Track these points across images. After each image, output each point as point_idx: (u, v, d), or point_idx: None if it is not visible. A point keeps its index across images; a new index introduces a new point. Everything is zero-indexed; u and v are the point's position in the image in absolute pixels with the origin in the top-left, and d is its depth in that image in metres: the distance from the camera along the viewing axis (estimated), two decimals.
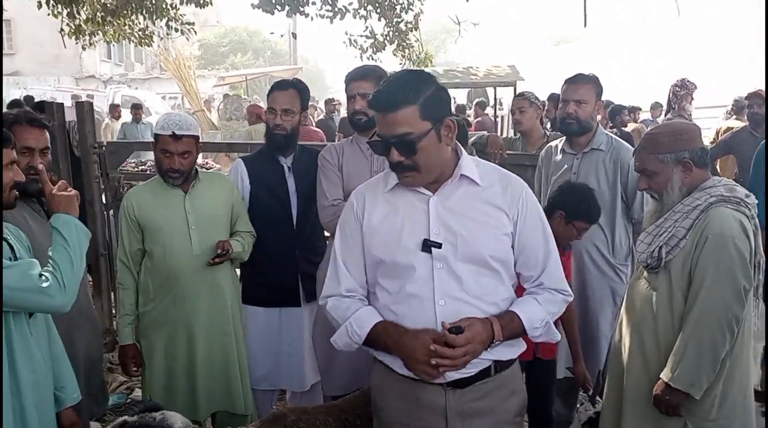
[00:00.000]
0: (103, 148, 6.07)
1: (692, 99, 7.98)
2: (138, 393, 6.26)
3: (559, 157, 4.17)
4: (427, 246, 2.20)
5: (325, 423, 2.76)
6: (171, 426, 2.27)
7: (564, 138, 4.18)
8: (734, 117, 7.86)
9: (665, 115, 8.42)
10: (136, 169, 8.96)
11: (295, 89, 3.80)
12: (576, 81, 4.06)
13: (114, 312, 7.26)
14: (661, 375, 2.82)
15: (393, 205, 2.30)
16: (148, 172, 10.05)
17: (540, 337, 2.32)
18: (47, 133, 3.21)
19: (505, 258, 2.28)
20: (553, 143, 4.33)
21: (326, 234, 3.98)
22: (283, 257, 3.89)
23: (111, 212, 6.24)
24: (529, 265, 2.31)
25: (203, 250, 3.58)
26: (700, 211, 2.80)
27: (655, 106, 11.97)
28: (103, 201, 6.23)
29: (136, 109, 15.10)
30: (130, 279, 3.68)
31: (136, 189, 3.78)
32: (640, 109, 11.47)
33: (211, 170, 5.26)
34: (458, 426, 2.29)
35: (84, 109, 5.88)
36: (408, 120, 2.12)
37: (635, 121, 10.48)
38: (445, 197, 2.26)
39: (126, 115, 16.26)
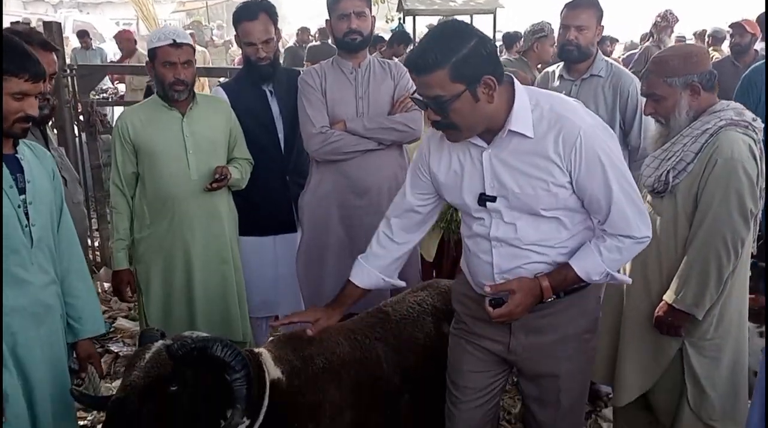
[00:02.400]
0: (74, 71, 5.80)
1: (672, 32, 8.04)
2: (122, 321, 6.21)
3: (557, 83, 4.11)
4: (483, 200, 2.29)
5: (336, 344, 2.77)
6: (227, 342, 2.21)
7: (562, 63, 4.13)
8: (711, 48, 7.91)
9: (643, 43, 8.46)
10: (97, 97, 8.63)
11: (264, 13, 3.60)
12: (576, 6, 3.96)
13: (90, 237, 7.11)
14: (664, 297, 2.89)
15: (455, 156, 2.35)
16: (110, 100, 9.70)
17: (603, 282, 2.39)
18: (55, 57, 3.09)
19: (565, 206, 2.26)
20: (550, 69, 4.26)
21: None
22: (274, 183, 3.84)
23: (83, 137, 6.04)
24: (593, 210, 2.28)
25: (201, 175, 3.47)
26: (709, 134, 2.82)
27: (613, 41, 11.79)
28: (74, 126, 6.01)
29: (83, 36, 14.10)
30: (124, 204, 3.56)
31: (131, 109, 3.60)
32: (617, 41, 11.40)
33: (204, 93, 5.05)
34: (522, 339, 2.44)
35: (52, 29, 5.57)
36: (438, 83, 2.07)
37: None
38: (499, 150, 2.24)
39: (75, 42, 15.41)
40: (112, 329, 6.00)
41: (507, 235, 2.30)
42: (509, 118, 2.17)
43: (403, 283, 2.72)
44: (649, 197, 3.04)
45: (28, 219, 2.42)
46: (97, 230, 6.77)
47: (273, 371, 2.53)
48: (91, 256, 8.22)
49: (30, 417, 2.41)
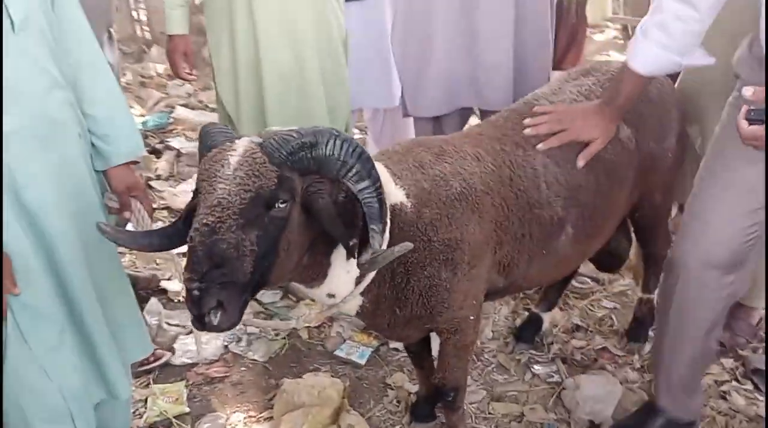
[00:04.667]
0: None
1: None
2: (181, 111, 5.46)
3: None
4: None
5: (476, 159, 1.89)
6: (346, 136, 1.47)
7: None
8: None
9: None
10: None
11: None
12: None
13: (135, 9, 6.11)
14: None
15: None
16: None
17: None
18: None
19: None
20: None
21: None
22: None
23: None
24: None
25: None
26: None
27: None
28: None
29: None
30: None
31: None
32: None
33: None
34: None
35: None
36: None
37: None
38: None
39: None
40: (170, 120, 5.29)
41: None
42: None
43: (711, 60, 1.91)
44: None
45: None
46: None
47: (394, 193, 1.70)
48: (139, 32, 7.34)
49: (54, 283, 1.67)
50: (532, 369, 2.59)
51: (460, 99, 2.89)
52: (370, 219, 1.50)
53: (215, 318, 1.35)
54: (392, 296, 1.76)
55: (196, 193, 1.50)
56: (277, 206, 1.41)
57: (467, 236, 1.79)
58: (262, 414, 2.46)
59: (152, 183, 4.27)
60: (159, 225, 1.89)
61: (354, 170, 1.47)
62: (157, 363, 2.70)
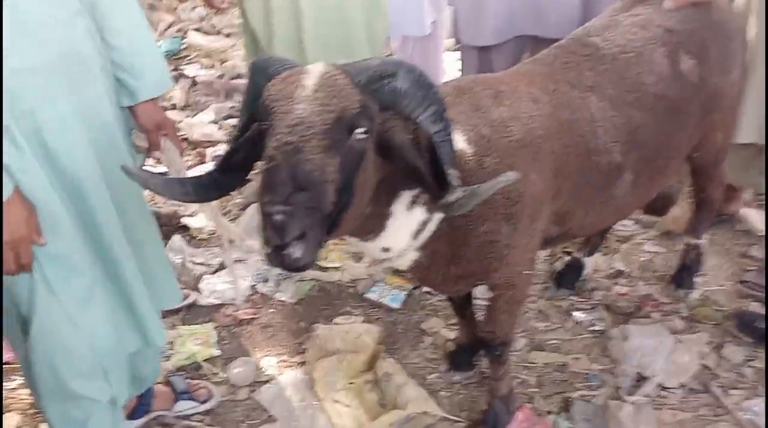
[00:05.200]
0: None
1: None
2: (195, 36, 5.20)
3: None
4: None
5: (533, 101, 1.70)
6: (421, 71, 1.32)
7: None
8: None
9: None
10: None
11: None
12: None
13: None
14: None
15: None
16: None
17: None
18: None
19: None
20: None
21: None
22: None
23: None
24: None
25: None
26: None
27: None
28: None
29: None
30: None
31: None
32: None
33: None
34: None
35: None
36: None
37: None
38: None
39: None
40: (183, 46, 5.04)
41: None
42: None
43: None
44: None
45: None
46: None
47: (455, 139, 1.53)
48: None
49: (84, 231, 1.52)
50: (573, 317, 2.49)
51: (519, 25, 2.65)
52: (446, 161, 1.34)
53: (298, 251, 1.15)
54: (448, 251, 1.62)
55: (245, 126, 1.36)
56: (358, 134, 1.25)
57: (528, 187, 1.63)
58: (294, 359, 2.38)
59: (168, 113, 4.09)
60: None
61: (432, 109, 1.32)
62: (183, 303, 2.61)
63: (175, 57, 4.88)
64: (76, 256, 1.52)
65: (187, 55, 4.92)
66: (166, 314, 2.54)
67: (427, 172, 1.35)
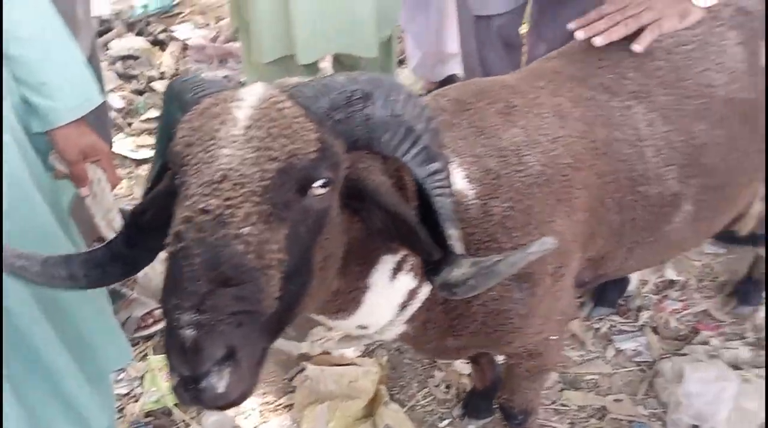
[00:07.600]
0: None
1: None
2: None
3: None
4: None
5: (558, 115, 1.24)
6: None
7: None
8: None
9: None
10: None
11: None
12: None
13: None
14: None
15: None
16: None
17: None
18: None
19: None
20: None
21: None
22: None
23: None
24: None
25: None
26: None
27: None
28: None
29: None
30: None
31: None
32: None
33: None
34: None
35: None
36: None
37: None
38: None
39: None
40: (175, 2, 4.54)
41: None
42: None
43: None
44: None
45: None
46: None
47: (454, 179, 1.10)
48: None
49: None
50: (614, 343, 2.07)
51: None
52: (444, 218, 0.94)
53: (222, 380, 0.75)
54: (445, 322, 1.22)
55: (160, 174, 0.98)
56: (315, 190, 0.85)
57: (553, 227, 1.20)
58: (280, 401, 2.03)
59: (154, 83, 3.66)
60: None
61: (422, 143, 0.93)
62: (156, 328, 2.26)
63: (166, 15, 4.41)
64: None
65: (180, 12, 4.44)
66: (137, 340, 2.21)
67: (415, 226, 0.94)
